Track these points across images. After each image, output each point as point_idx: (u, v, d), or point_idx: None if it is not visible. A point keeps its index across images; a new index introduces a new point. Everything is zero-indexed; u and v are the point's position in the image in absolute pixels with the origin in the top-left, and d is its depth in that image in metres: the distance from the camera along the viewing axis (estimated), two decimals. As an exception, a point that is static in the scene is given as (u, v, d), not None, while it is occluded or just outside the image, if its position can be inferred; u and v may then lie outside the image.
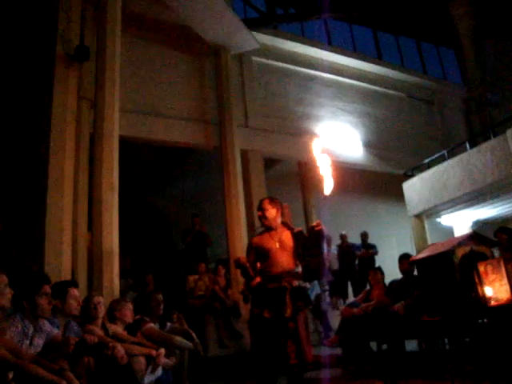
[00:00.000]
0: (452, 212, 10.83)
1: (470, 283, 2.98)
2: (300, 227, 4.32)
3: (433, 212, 10.97)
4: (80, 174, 6.96)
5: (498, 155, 8.70)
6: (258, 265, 4.27)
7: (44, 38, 6.95)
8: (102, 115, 6.67)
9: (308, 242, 4.03)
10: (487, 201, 9.97)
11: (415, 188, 11.08)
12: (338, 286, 10.36)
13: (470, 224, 11.31)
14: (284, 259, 4.08)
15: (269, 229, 4.20)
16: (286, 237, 4.16)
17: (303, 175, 12.55)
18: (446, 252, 3.04)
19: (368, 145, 12.28)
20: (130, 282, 8.20)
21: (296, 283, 4.02)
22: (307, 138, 11.48)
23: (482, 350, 3.44)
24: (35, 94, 6.82)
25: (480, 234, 3.37)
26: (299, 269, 4.12)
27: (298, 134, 11.15)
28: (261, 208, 4.22)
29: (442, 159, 10.55)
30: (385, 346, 5.95)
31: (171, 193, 12.07)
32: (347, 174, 10.51)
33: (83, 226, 6.85)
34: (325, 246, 4.01)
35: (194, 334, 5.46)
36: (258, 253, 4.17)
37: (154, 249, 10.81)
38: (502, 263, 3.14)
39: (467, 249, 3.11)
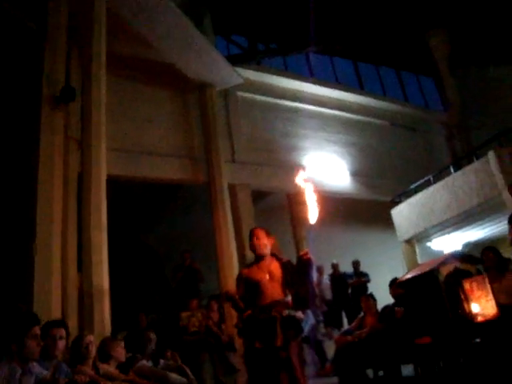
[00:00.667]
0: (441, 235, 10.91)
1: (456, 301, 3.01)
2: (288, 258, 4.35)
3: (423, 236, 11.04)
4: (69, 215, 6.99)
5: (482, 177, 8.83)
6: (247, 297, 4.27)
7: (30, 80, 7.06)
8: (89, 155, 6.75)
9: (297, 271, 4.04)
10: (475, 222, 10.08)
11: (403, 214, 11.18)
12: (332, 316, 10.30)
13: (460, 247, 11.37)
14: (273, 290, 4.06)
15: (258, 260, 4.22)
16: (275, 267, 4.16)
17: (292, 207, 12.58)
18: (430, 271, 3.09)
19: (354, 173, 12.42)
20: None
21: (286, 312, 3.99)
22: (294, 169, 11.61)
23: (477, 369, 3.45)
24: (22, 135, 6.89)
25: (463, 252, 3.40)
26: (289, 298, 4.09)
27: (285, 166, 11.26)
28: (254, 236, 4.22)
29: (427, 184, 10.68)
30: (381, 373, 5.92)
31: (162, 230, 12.05)
32: (335, 203, 10.59)
33: (73, 265, 6.83)
34: (314, 274, 4.09)
35: (188, 370, 5.42)
36: (248, 285, 4.16)
37: (146, 287, 10.73)
38: (486, 280, 3.19)
39: (451, 267, 3.16)
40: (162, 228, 12.06)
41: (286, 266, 4.16)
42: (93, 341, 4.24)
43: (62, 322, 4.04)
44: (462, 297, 3.01)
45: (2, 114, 6.87)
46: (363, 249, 11.82)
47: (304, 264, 3.95)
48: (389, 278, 7.77)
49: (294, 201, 12.36)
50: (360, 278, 10.74)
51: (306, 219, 4.08)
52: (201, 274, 9.80)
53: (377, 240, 12.39)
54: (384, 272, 11.15)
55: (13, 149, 6.91)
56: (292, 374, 3.80)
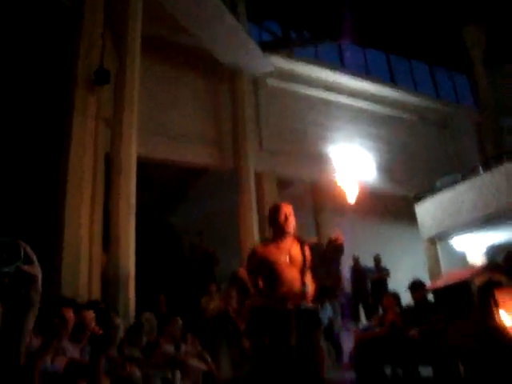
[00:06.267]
0: (465, 235, 10.79)
1: (488, 311, 2.99)
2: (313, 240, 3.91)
3: (446, 235, 10.95)
4: (97, 195, 7.07)
5: (510, 179, 8.70)
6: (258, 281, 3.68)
7: (63, 60, 7.11)
8: (120, 136, 6.81)
9: (325, 257, 3.60)
10: (500, 225, 9.95)
11: (428, 210, 11.07)
12: (350, 309, 10.32)
13: (484, 249, 11.25)
14: (292, 276, 3.44)
15: (276, 238, 3.57)
16: (296, 250, 3.54)
17: (316, 197, 12.59)
18: (464, 281, 3.08)
19: (381, 168, 12.30)
20: None
21: (303, 305, 3.44)
22: (321, 160, 11.61)
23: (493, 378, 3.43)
24: (54, 116, 6.96)
25: (496, 262, 3.38)
26: (308, 288, 3.52)
27: (312, 156, 11.25)
28: (282, 212, 3.55)
29: (454, 182, 10.54)
30: (399, 371, 5.92)
31: (186, 213, 12.14)
32: (360, 196, 10.53)
33: (99, 247, 6.92)
34: (343, 262, 3.63)
35: (207, 356, 5.49)
36: (262, 266, 3.50)
37: (167, 268, 10.84)
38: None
39: (485, 278, 3.14)
40: (184, 211, 12.15)
41: (312, 249, 3.58)
42: (119, 324, 4.32)
43: (92, 305, 4.13)
44: (494, 307, 2.99)
45: (34, 94, 6.95)
46: (384, 244, 11.76)
47: (335, 250, 3.42)
48: (408, 275, 7.72)
49: (318, 191, 12.39)
50: (381, 273, 10.72)
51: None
52: (216, 258, 9.92)
53: (399, 236, 12.31)
54: (404, 269, 11.10)
55: (44, 130, 6.99)
56: (308, 375, 3.31)
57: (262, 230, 9.84)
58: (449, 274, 4.65)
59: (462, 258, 11.85)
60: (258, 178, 10.49)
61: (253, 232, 9.73)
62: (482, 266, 3.00)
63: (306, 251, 3.52)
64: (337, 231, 3.45)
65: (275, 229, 3.58)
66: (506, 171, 9.10)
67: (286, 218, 3.50)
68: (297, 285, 3.41)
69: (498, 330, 3.03)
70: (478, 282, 3.13)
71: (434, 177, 11.66)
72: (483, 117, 14.53)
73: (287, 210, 3.56)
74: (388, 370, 6.19)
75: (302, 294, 3.42)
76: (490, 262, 3.23)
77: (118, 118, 6.94)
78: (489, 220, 9.61)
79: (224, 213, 10.94)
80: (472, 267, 3.54)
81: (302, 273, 3.46)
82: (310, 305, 3.46)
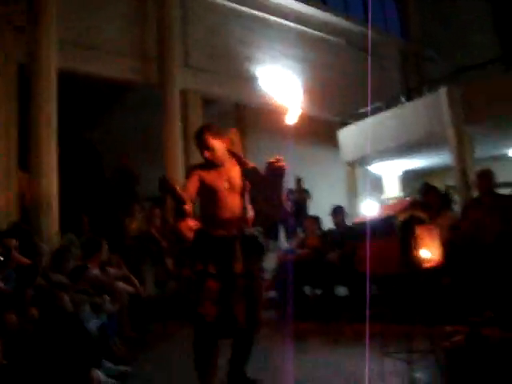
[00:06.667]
0: (384, 161, 11.27)
1: (408, 244, 3.21)
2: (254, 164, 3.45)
3: (365, 160, 11.36)
4: (11, 110, 6.61)
5: (431, 111, 9.05)
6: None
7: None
8: (36, 47, 6.30)
9: (264, 182, 3.23)
10: (417, 153, 10.47)
11: (351, 136, 11.37)
12: (271, 229, 10.65)
13: (399, 173, 11.86)
14: (234, 202, 3.31)
15: (214, 165, 3.33)
16: (236, 174, 3.36)
17: (240, 117, 12.53)
18: (389, 216, 3.27)
19: (306, 90, 12.30)
20: None
21: (248, 231, 3.34)
22: (248, 80, 11.45)
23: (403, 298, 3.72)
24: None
25: (421, 200, 3.59)
26: (250, 213, 3.41)
27: (239, 75, 11.11)
28: (205, 146, 3.29)
29: (377, 109, 10.82)
30: (318, 291, 6.32)
31: (107, 129, 11.69)
32: (284, 117, 10.59)
33: (15, 163, 6.55)
34: (284, 186, 3.35)
35: (134, 279, 5.54)
36: (203, 189, 3.32)
37: (89, 188, 10.56)
38: (434, 227, 3.40)
39: (408, 214, 3.34)
40: (106, 127, 11.70)
41: (251, 174, 3.35)
42: (45, 251, 4.22)
43: (15, 229, 3.97)
44: (414, 242, 3.21)
45: None
46: (307, 168, 12.05)
47: (275, 174, 3.11)
48: (329, 200, 8.04)
49: (243, 111, 12.33)
50: (302, 194, 11.07)
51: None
52: (136, 177, 9.84)
53: (321, 160, 12.63)
54: (325, 193, 11.53)
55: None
56: (252, 305, 3.25)
57: (186, 149, 9.80)
58: (379, 209, 4.91)
59: (378, 182, 12.48)
60: (183, 95, 10.25)
61: (177, 151, 9.68)
62: (406, 203, 3.19)
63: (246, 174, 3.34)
64: (276, 156, 3.15)
65: (203, 156, 3.34)
66: (426, 103, 9.44)
67: (213, 154, 3.27)
68: (239, 210, 3.32)
69: (415, 260, 3.26)
70: (401, 217, 3.32)
71: (358, 103, 11.87)
72: (409, 47, 14.75)
73: (209, 143, 3.27)
74: (308, 290, 6.61)
75: (245, 219, 3.35)
76: (415, 199, 3.44)
77: (34, 26, 6.38)
78: (408, 148, 10.05)
79: (148, 130, 10.71)
80: (398, 203, 3.77)
81: (243, 197, 3.38)
82: (253, 230, 3.37)
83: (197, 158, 3.62)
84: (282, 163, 3.08)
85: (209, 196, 3.32)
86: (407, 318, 3.88)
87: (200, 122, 10.39)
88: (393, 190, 12.07)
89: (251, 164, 3.39)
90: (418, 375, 3.29)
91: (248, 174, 3.35)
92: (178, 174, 9.41)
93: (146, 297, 6.95)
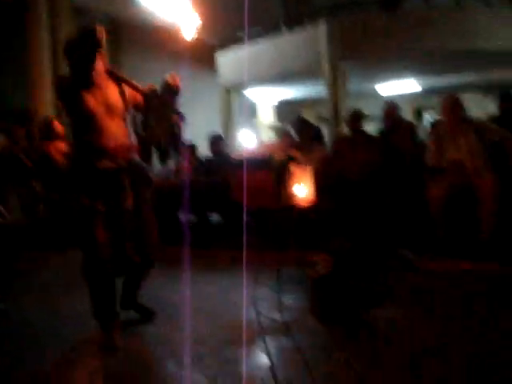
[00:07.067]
0: (260, 88, 11.37)
1: (284, 182, 3.36)
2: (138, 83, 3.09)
3: (243, 87, 11.38)
4: None
5: (309, 42, 9.20)
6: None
7: None
8: None
9: (156, 105, 2.97)
10: (293, 83, 10.69)
11: (229, 60, 11.24)
12: (145, 152, 10.46)
13: (275, 102, 12.08)
14: (116, 128, 2.93)
15: (85, 80, 2.87)
16: (114, 94, 2.96)
17: (118, 35, 11.80)
18: (267, 156, 3.38)
19: (189, 9, 11.84)
20: None
21: (134, 161, 3.03)
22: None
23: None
24: None
25: (296, 141, 3.71)
26: (133, 141, 3.08)
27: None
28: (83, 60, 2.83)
29: (256, 35, 10.71)
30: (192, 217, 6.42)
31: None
32: (163, 35, 10.17)
33: None
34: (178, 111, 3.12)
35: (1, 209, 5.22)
36: (76, 110, 2.89)
37: None
38: (307, 166, 3.59)
39: (284, 153, 3.47)
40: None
41: (150, 97, 3.01)
42: None
43: None
44: (288, 179, 3.37)
45: None
46: (183, 90, 11.81)
47: (171, 92, 2.95)
48: (204, 124, 7.98)
49: (119, 26, 11.62)
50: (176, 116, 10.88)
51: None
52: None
53: (197, 83, 12.41)
54: (200, 117, 11.45)
55: None
56: (143, 242, 3.07)
57: (55, 62, 9.13)
58: (260, 146, 5.02)
59: (254, 110, 12.64)
60: (51, 2, 9.37)
61: (43, 63, 8.97)
62: (282, 143, 3.30)
63: (126, 91, 2.99)
64: (172, 73, 3.02)
65: (76, 73, 2.88)
66: (305, 34, 9.55)
67: (90, 61, 2.79)
68: (123, 137, 2.95)
69: (289, 196, 3.43)
70: (277, 156, 3.44)
71: (237, 27, 11.67)
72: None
73: (90, 46, 2.77)
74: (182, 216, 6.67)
75: (130, 147, 3.00)
76: (294, 141, 3.55)
77: None
78: (284, 77, 10.20)
79: (8, 40, 9.78)
80: (276, 143, 3.88)
81: (125, 121, 3.01)
82: (139, 159, 3.07)
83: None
84: (178, 81, 2.96)
85: (84, 120, 2.86)
86: (279, 246, 4.16)
87: (70, 31, 9.66)
88: (267, 118, 12.33)
89: (144, 87, 3.03)
90: (288, 302, 3.54)
91: (149, 98, 3.01)
92: (43, 90, 8.83)
93: (12, 223, 6.60)
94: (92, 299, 2.91)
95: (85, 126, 2.87)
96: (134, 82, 3.07)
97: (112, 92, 2.94)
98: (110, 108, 2.91)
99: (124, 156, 2.92)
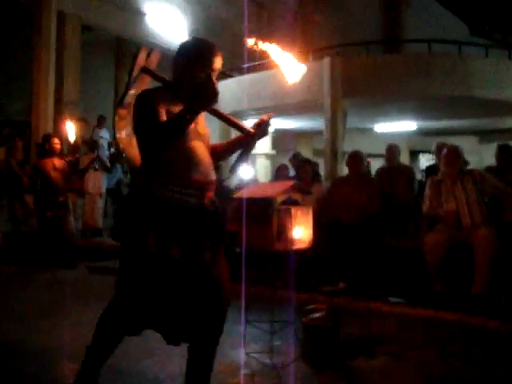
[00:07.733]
0: (259, 117, 11.42)
1: (284, 223, 3.36)
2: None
3: (241, 115, 11.43)
4: None
5: (312, 78, 9.28)
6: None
7: None
8: None
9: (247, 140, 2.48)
10: (293, 115, 10.76)
11: (230, 88, 11.32)
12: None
13: (272, 131, 12.14)
14: (206, 156, 2.36)
15: (174, 92, 2.35)
16: (202, 121, 2.44)
17: (120, 51, 11.97)
18: (270, 197, 3.39)
19: (193, 32, 12.02)
20: None
21: (214, 200, 2.36)
22: (133, 13, 10.82)
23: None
24: None
25: (299, 184, 3.72)
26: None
27: (123, 5, 10.56)
28: (203, 65, 2.37)
29: (259, 67, 10.81)
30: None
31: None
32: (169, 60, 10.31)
33: None
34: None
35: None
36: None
37: None
38: (310, 210, 3.60)
39: (286, 195, 3.48)
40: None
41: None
42: None
43: None
44: (289, 222, 3.37)
45: None
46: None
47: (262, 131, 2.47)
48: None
49: (123, 45, 11.80)
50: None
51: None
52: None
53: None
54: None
55: None
56: (217, 307, 2.30)
57: (58, 74, 9.36)
58: (259, 187, 5.03)
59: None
60: (61, 17, 9.54)
61: (48, 75, 9.16)
62: (287, 187, 3.31)
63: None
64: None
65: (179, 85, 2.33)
66: (308, 69, 9.61)
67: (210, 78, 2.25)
68: (211, 169, 2.36)
69: (290, 240, 3.42)
70: (279, 198, 3.45)
71: (240, 56, 11.81)
72: (300, 7, 14.70)
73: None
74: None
75: (213, 181, 2.35)
76: (296, 183, 3.55)
77: None
78: (284, 110, 10.26)
79: (15, 49, 9.94)
80: (278, 184, 3.89)
81: (208, 149, 2.43)
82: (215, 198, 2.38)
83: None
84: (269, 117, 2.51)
85: (175, 148, 2.20)
86: (272, 283, 4.14)
87: (78, 51, 9.87)
88: (264, 146, 12.42)
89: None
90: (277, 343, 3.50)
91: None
92: (47, 102, 8.93)
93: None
94: (87, 356, 2.28)
95: (174, 153, 2.21)
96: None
97: (201, 120, 2.43)
98: (198, 129, 2.36)
99: (208, 192, 2.31)
